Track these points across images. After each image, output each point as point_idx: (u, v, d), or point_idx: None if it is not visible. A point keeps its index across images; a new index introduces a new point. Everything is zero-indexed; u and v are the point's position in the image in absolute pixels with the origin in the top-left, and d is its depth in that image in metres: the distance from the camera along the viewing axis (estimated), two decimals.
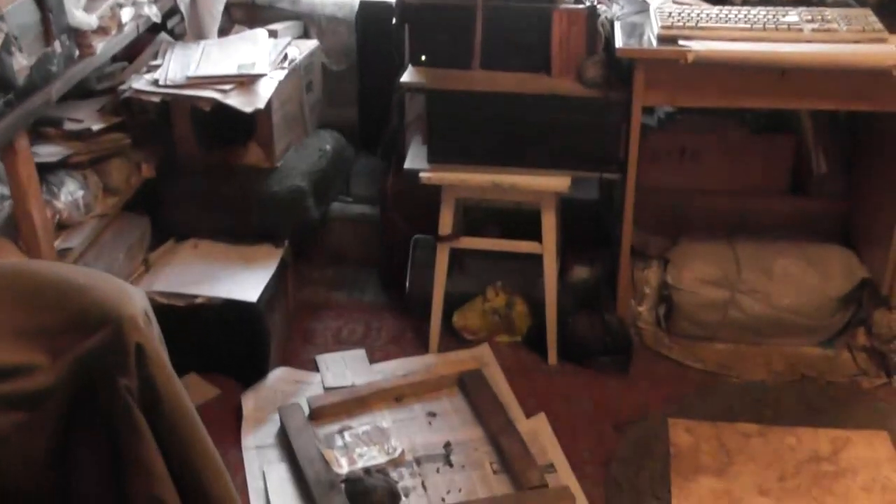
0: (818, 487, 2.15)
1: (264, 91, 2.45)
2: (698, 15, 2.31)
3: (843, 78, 2.24)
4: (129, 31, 2.43)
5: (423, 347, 2.66)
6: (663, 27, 2.27)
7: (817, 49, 2.20)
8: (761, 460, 2.23)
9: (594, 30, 2.39)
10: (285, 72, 2.57)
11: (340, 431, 2.32)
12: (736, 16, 2.31)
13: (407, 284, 2.80)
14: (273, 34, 2.78)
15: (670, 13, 2.31)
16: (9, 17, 1.94)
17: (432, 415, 2.40)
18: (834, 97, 2.32)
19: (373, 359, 2.63)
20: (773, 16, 2.31)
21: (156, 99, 2.42)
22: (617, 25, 2.37)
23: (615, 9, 2.45)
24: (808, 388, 2.47)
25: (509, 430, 2.29)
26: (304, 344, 2.69)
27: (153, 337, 1.31)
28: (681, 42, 2.23)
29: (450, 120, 2.42)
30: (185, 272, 2.50)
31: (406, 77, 2.44)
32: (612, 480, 2.18)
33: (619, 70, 2.37)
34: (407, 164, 2.50)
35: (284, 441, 2.29)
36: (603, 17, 2.40)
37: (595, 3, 2.40)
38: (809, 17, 2.30)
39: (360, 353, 2.64)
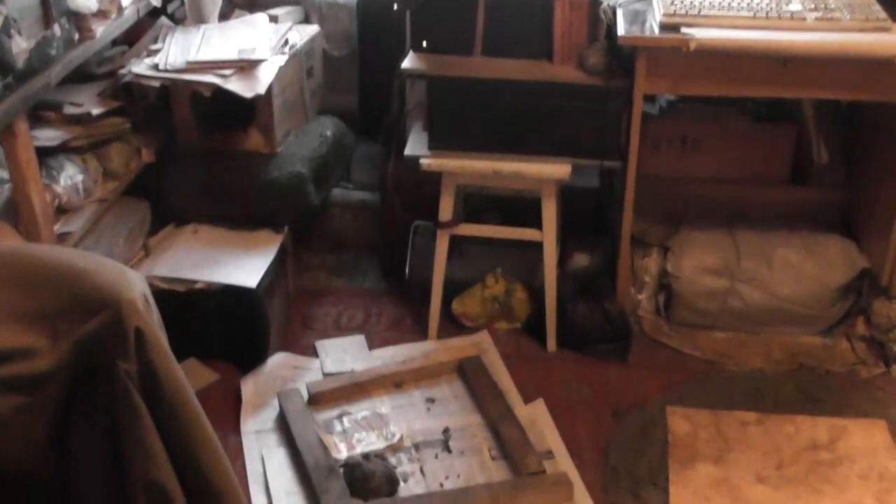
0: (815, 475, 2.16)
1: (265, 76, 2.44)
2: (701, 2, 2.30)
3: (846, 67, 2.23)
4: (130, 15, 2.43)
5: (422, 334, 2.66)
6: (665, 15, 2.26)
7: (820, 38, 2.19)
8: (759, 448, 2.23)
9: (596, 17, 2.38)
10: (286, 57, 2.56)
11: (339, 417, 2.33)
12: (739, 4, 2.30)
13: (406, 271, 2.80)
14: (274, 19, 2.77)
15: (673, 1, 2.30)
16: (8, 0, 1.93)
17: (431, 401, 2.41)
18: (836, 86, 2.31)
19: (372, 345, 2.63)
20: (777, 4, 2.30)
21: (156, 83, 2.42)
22: (619, 13, 2.36)
23: None
24: (807, 377, 2.48)
25: (508, 416, 2.29)
26: (303, 329, 2.69)
27: (152, 321, 1.31)
28: (683, 30, 2.22)
29: (451, 106, 2.41)
30: (185, 257, 2.50)
31: (407, 63, 2.43)
32: (610, 467, 2.19)
33: (621, 58, 2.36)
34: (407, 151, 2.50)
35: (283, 426, 2.29)
36: (605, 4, 2.39)
37: None
38: (813, 6, 2.29)
39: (359, 339, 2.65)
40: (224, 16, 2.82)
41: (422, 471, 2.19)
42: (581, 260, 2.75)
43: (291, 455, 2.22)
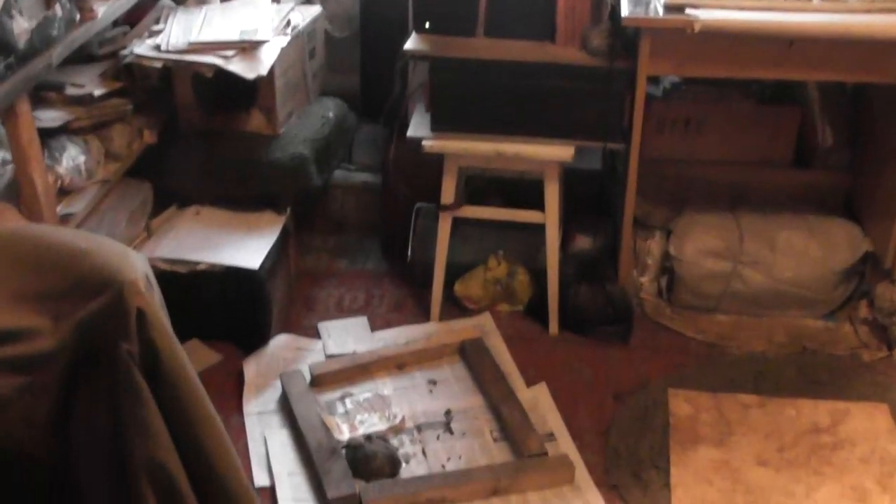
0: (817, 458, 2.16)
1: (267, 57, 2.43)
2: None
3: (852, 49, 2.21)
4: None
5: (424, 316, 2.67)
6: None
7: (827, 19, 2.18)
8: (761, 431, 2.24)
9: None
10: (288, 38, 2.55)
11: (342, 398, 2.33)
12: None
13: (409, 253, 2.79)
14: (276, 0, 2.76)
15: None
16: None
17: (433, 382, 2.41)
18: (842, 69, 2.30)
19: (374, 326, 2.63)
20: None
21: (157, 64, 2.41)
22: None
23: None
24: (809, 361, 2.48)
25: (510, 398, 2.30)
26: (305, 311, 2.70)
27: (154, 302, 1.31)
28: (687, 11, 2.21)
29: (453, 88, 2.40)
30: (187, 238, 2.50)
31: (409, 44, 2.42)
32: (612, 449, 2.20)
33: (625, 39, 2.34)
34: (410, 133, 2.49)
35: (286, 407, 2.30)
36: None
37: None
38: None
39: (361, 321, 2.65)
40: None
41: (423, 452, 2.19)
42: (583, 242, 2.74)
43: (294, 436, 2.22)
